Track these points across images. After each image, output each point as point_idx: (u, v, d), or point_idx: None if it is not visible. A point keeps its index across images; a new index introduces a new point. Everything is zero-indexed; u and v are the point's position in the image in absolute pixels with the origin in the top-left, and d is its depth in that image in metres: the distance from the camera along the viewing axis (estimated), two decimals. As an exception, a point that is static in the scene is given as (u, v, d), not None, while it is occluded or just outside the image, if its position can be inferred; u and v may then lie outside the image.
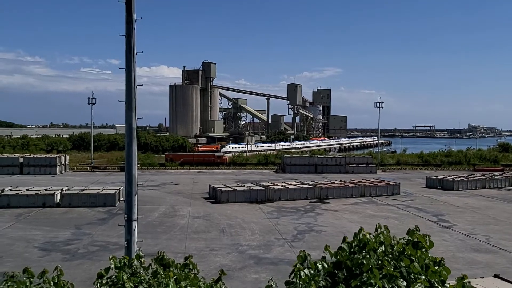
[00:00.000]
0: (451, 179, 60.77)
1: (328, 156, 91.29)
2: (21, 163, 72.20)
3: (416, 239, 5.04)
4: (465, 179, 61.47)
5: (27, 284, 4.93)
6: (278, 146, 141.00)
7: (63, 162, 75.83)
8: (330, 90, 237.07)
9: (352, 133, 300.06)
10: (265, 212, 42.48)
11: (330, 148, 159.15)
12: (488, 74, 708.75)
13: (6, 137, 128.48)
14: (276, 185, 52.09)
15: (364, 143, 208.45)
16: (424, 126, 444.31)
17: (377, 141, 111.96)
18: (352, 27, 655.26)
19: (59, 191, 45.53)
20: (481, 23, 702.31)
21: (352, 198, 51.29)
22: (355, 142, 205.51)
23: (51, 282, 5.06)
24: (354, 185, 53.74)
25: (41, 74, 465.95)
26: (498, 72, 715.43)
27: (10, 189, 46.41)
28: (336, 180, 58.26)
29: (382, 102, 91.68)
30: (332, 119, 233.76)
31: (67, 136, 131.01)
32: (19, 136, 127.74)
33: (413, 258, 4.82)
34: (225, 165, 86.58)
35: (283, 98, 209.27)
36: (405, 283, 4.58)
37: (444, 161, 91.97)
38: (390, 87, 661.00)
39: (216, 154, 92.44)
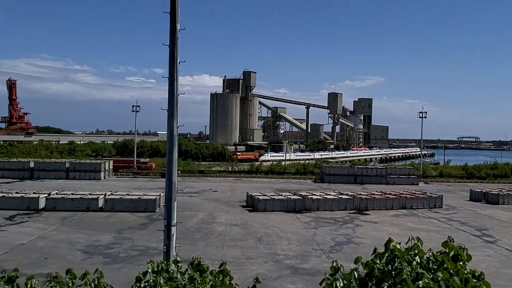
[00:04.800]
0: (497, 192, 58.45)
1: (368, 166, 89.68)
2: (67, 168, 74.89)
3: (455, 252, 4.91)
4: (511, 193, 59.01)
5: (69, 285, 5.11)
6: (317, 155, 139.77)
7: (107, 168, 78.09)
8: (371, 99, 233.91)
9: (393, 143, 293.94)
10: (303, 222, 42.20)
11: (370, 159, 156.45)
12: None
13: (54, 142, 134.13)
14: (315, 194, 51.66)
15: (406, 153, 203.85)
16: (469, 137, 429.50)
17: (419, 152, 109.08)
18: (395, 36, 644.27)
19: (103, 196, 46.90)
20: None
21: (393, 210, 50.16)
22: (397, 153, 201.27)
23: (92, 284, 5.23)
24: (395, 196, 52.57)
25: (88, 83, 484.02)
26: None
27: (56, 193, 48.22)
28: (376, 191, 57.17)
29: (425, 112, 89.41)
30: (373, 128, 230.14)
31: (112, 142, 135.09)
32: (66, 142, 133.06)
33: (451, 272, 4.70)
34: (149, 171, 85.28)
35: (323, 107, 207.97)
36: None
37: (490, 174, 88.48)
38: (434, 97, 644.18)
39: (142, 160, 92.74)
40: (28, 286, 5.01)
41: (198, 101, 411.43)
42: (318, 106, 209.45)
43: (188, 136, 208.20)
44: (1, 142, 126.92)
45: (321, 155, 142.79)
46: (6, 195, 45.97)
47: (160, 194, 47.63)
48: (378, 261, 4.91)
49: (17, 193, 47.48)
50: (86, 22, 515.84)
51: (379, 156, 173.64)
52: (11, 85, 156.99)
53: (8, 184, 63.58)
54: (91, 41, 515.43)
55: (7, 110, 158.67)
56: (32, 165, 75.16)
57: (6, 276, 5.08)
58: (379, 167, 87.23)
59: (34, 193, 47.61)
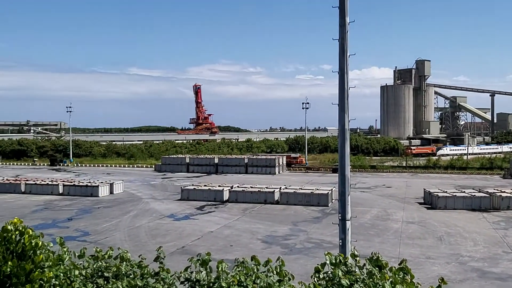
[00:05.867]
0: None
1: None
2: (246, 163, 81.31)
3: None
4: None
5: (254, 270, 5.50)
6: (505, 148, 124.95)
7: (280, 163, 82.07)
8: None
9: None
10: (490, 222, 38.10)
11: None
12: None
13: (234, 140, 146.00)
14: (504, 192, 46.17)
15: None
16: None
17: None
18: None
19: (278, 190, 49.35)
20: None
21: None
22: None
23: (275, 271, 5.53)
24: None
25: (261, 83, 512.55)
26: None
27: (238, 186, 52.36)
28: None
29: None
30: None
31: (284, 139, 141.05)
32: (244, 140, 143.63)
33: None
34: (302, 166, 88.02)
35: (511, 94, 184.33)
36: None
37: None
38: None
39: (292, 155, 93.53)
40: (219, 268, 5.55)
41: (367, 95, 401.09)
42: (505, 93, 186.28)
43: (358, 131, 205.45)
44: (190, 141, 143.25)
45: (510, 147, 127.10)
46: (197, 188, 51.72)
47: (332, 189, 48.06)
48: None
49: (205, 186, 53.11)
50: (257, 26, 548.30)
51: None
52: (197, 90, 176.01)
53: (198, 178, 71.43)
54: (262, 44, 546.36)
55: (194, 112, 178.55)
56: (216, 161, 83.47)
57: (200, 259, 5.73)
58: None
59: (219, 186, 52.64)
